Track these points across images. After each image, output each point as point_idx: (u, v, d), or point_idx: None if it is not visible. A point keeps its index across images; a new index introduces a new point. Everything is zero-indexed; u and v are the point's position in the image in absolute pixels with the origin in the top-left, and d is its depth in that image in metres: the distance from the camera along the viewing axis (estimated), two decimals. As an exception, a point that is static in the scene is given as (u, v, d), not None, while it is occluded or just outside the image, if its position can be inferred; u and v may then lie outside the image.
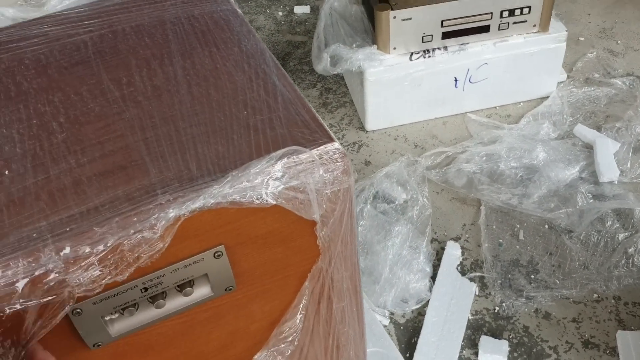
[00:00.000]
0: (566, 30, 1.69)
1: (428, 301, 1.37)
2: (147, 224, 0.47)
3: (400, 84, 1.69)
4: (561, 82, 1.84)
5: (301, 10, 2.24)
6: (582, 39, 2.02)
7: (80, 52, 0.68)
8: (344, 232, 0.61)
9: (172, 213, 0.48)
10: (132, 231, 0.47)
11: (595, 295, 1.36)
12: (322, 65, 1.71)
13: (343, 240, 0.61)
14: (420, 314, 1.37)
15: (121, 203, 0.51)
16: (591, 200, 1.50)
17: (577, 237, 1.46)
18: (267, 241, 0.58)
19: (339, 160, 0.56)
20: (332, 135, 0.57)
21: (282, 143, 0.56)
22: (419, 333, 1.33)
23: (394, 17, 1.59)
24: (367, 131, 1.80)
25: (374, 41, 1.68)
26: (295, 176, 0.54)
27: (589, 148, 1.65)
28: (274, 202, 0.54)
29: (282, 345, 0.65)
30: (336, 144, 0.56)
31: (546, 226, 1.51)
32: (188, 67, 0.65)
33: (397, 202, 1.52)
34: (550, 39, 1.69)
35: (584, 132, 1.67)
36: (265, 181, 0.53)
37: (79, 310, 0.53)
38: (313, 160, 0.55)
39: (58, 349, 0.55)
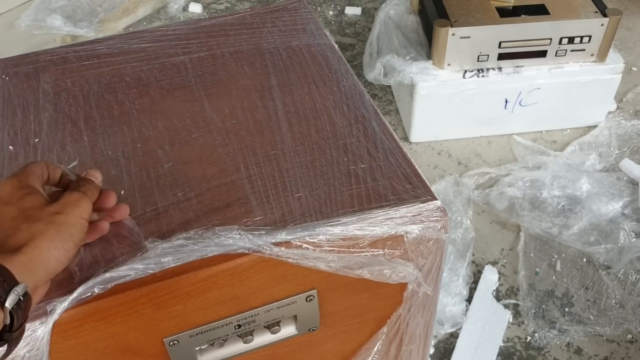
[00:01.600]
0: (624, 63, 1.68)
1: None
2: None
3: (451, 100, 1.69)
4: (610, 112, 1.83)
5: (352, 11, 2.23)
6: (635, 69, 2.00)
7: (181, 75, 0.69)
8: (429, 284, 0.62)
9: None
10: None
11: (630, 336, 1.36)
12: (374, 74, 1.71)
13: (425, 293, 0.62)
14: (453, 335, 1.39)
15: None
16: (633, 239, 1.50)
17: (615, 274, 1.46)
18: (356, 288, 0.59)
19: (439, 218, 0.57)
20: (433, 191, 0.58)
21: (384, 196, 0.57)
22: (450, 355, 1.34)
23: (453, 34, 1.58)
24: (410, 142, 1.80)
25: (428, 55, 1.67)
26: (394, 229, 0.56)
27: (634, 184, 1.64)
28: (370, 255, 0.55)
29: (352, 384, 0.66)
30: (438, 202, 0.57)
31: (584, 259, 1.51)
32: (288, 103, 0.65)
33: (438, 221, 1.52)
34: (607, 69, 1.68)
35: (630, 167, 1.66)
36: (365, 235, 0.54)
37: (176, 341, 0.54)
38: (414, 215, 0.56)
39: (150, 374, 0.57)
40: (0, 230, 0.45)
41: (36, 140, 0.62)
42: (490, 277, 1.47)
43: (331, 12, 2.24)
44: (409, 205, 0.56)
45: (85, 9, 2.08)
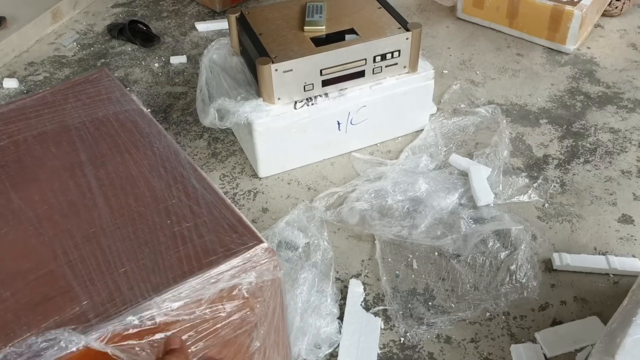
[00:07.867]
0: (433, 69, 1.84)
1: (339, 342, 1.43)
2: None
3: (288, 131, 1.75)
4: (432, 114, 2.00)
5: (178, 60, 2.23)
6: (446, 71, 2.21)
7: (-20, 169, 0.65)
8: (277, 323, 0.64)
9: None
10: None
11: (488, 314, 1.48)
12: (209, 119, 1.73)
13: (276, 329, 0.64)
14: (333, 355, 1.42)
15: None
16: (473, 225, 1.64)
17: (465, 261, 1.59)
18: (205, 344, 0.59)
19: (269, 259, 0.59)
20: (259, 235, 0.60)
21: (212, 251, 0.58)
22: (334, 375, 1.38)
23: (276, 70, 1.64)
24: (260, 178, 1.84)
25: (258, 93, 1.72)
26: (229, 282, 0.57)
27: (464, 175, 1.80)
28: (208, 316, 0.56)
29: None
30: (265, 245, 0.59)
31: (436, 253, 1.63)
32: (102, 176, 0.64)
33: (299, 249, 1.56)
34: (420, 78, 1.83)
35: (458, 160, 1.82)
36: (199, 297, 0.55)
37: None
38: (244, 264, 0.57)
39: None
40: None
41: None
42: (356, 290, 1.53)
43: (157, 64, 2.23)
44: (238, 254, 0.58)
45: None
